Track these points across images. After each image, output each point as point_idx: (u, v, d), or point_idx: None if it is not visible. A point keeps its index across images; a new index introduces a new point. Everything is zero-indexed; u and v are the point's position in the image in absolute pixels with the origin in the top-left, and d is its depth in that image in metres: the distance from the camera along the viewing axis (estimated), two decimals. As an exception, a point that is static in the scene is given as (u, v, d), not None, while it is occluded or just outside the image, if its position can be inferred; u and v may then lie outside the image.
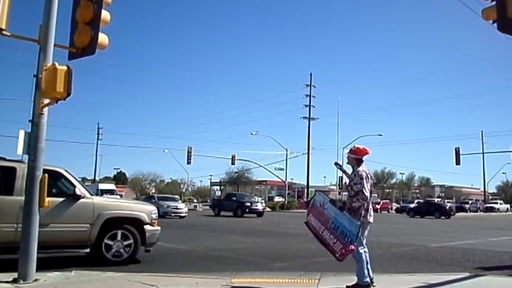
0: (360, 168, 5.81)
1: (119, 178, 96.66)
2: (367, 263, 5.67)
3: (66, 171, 8.06)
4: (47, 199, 6.08)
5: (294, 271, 7.44)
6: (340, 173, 51.67)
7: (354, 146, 6.12)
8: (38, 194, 6.00)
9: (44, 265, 6.62)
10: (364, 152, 5.95)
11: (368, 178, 5.75)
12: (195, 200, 74.39)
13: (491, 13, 6.30)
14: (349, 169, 6.17)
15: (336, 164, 6.93)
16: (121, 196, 38.55)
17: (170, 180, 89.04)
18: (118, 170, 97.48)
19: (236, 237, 14.79)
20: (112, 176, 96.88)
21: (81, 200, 7.82)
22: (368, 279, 5.62)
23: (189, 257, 9.71)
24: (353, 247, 5.39)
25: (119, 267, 7.58)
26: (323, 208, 5.96)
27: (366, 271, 5.63)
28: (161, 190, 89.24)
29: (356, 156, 5.92)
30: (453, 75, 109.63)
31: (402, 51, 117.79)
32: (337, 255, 5.56)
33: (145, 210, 8.62)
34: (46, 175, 6.11)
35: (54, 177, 7.52)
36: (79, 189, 7.90)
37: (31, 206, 5.98)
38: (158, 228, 8.71)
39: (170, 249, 10.52)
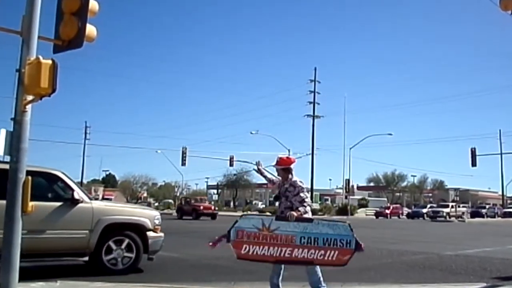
0: (296, 178, 6.13)
1: (108, 181, 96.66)
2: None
3: (63, 173, 8.09)
4: (34, 203, 6.06)
5: (298, 281, 7.42)
6: (347, 175, 51.82)
7: (279, 157, 6.31)
8: (21, 198, 5.99)
9: (28, 275, 6.59)
10: (293, 160, 6.35)
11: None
12: (191, 205, 74.10)
13: (510, 2, 6.31)
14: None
15: (257, 170, 6.89)
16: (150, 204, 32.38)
17: (163, 183, 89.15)
18: (107, 172, 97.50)
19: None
20: (100, 178, 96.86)
21: (80, 204, 7.82)
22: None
23: (183, 266, 9.72)
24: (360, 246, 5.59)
25: (110, 277, 7.56)
26: (269, 231, 5.76)
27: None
28: (154, 193, 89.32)
29: (287, 166, 6.14)
30: (468, 71, 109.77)
31: (414, 45, 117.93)
32: (337, 263, 5.68)
33: (147, 215, 8.65)
34: (30, 177, 6.11)
35: (51, 180, 7.53)
36: (78, 193, 7.90)
37: (13, 211, 5.95)
38: (162, 234, 8.74)
39: (163, 257, 10.47)
